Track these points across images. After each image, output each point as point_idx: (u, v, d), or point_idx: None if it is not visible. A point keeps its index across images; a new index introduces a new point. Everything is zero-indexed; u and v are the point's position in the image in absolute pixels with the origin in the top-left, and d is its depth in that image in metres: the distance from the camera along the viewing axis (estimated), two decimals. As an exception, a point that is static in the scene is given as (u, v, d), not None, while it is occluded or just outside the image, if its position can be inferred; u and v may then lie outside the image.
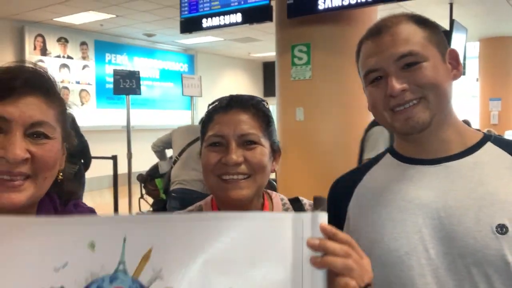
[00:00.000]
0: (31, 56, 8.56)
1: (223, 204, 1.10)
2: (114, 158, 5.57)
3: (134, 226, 0.69)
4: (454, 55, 1.03)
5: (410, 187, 1.00)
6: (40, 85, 0.81)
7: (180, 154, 3.92)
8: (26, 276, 0.66)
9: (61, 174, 0.88)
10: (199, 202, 1.20)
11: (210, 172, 1.05)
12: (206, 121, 1.12)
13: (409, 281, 0.94)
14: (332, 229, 0.69)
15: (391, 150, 1.12)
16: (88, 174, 4.81)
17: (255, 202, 1.10)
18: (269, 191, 1.20)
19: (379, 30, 1.00)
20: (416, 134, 0.98)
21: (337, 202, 1.13)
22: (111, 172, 5.62)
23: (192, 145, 3.87)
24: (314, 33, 4.48)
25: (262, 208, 1.14)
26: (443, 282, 0.91)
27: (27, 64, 0.86)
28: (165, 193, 4.19)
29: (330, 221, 0.71)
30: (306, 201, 1.21)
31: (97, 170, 5.67)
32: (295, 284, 0.67)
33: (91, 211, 0.94)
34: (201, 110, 4.75)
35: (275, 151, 1.13)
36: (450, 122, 1.01)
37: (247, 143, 1.05)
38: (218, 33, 9.32)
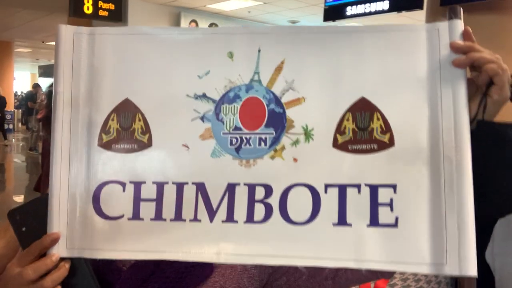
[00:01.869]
0: (185, 40, 9.31)
1: None
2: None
3: (268, 37, 0.72)
4: None
5: None
6: None
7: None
8: (174, 82, 0.73)
9: None
10: None
11: None
12: None
13: None
14: (473, 36, 0.69)
15: None
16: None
17: None
18: None
19: None
20: None
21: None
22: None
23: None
24: (470, 22, 4.06)
25: None
26: None
27: None
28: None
29: None
30: None
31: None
32: (433, 88, 0.68)
33: None
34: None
35: None
36: None
37: None
38: (362, 21, 9.02)
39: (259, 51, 0.71)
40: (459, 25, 0.70)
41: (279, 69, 0.70)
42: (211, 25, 9.73)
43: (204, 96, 0.72)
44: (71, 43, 0.73)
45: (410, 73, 0.69)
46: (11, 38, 14.87)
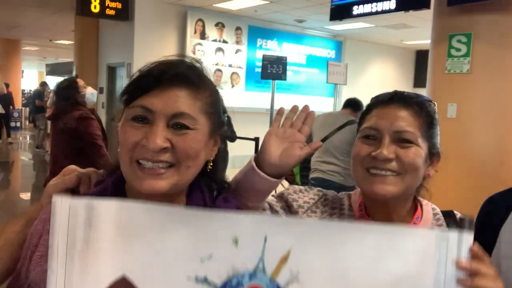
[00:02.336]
0: (192, 39, 9.30)
1: (367, 198, 1.07)
2: (256, 140, 5.81)
3: (275, 226, 0.70)
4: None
5: None
6: (187, 78, 0.84)
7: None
8: (174, 262, 0.70)
9: (210, 164, 0.90)
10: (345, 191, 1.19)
11: (359, 164, 1.03)
12: (365, 113, 1.09)
13: None
14: (483, 254, 0.69)
15: None
16: (231, 153, 5.09)
17: (401, 204, 1.05)
18: (419, 198, 1.12)
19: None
20: None
21: (487, 222, 1.03)
22: (252, 153, 5.88)
23: (331, 136, 3.83)
24: (477, 22, 4.05)
25: (411, 213, 1.08)
26: None
27: (185, 58, 0.89)
28: (301, 179, 4.24)
29: (475, 239, 0.70)
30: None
31: (240, 150, 5.97)
32: None
33: (238, 207, 0.95)
34: (344, 98, 4.67)
35: (433, 155, 1.06)
36: None
37: (402, 140, 1.00)
38: (370, 19, 9.00)
39: (265, 239, 0.69)
40: (469, 239, 0.69)
41: (284, 259, 0.69)
42: (217, 24, 9.73)
43: (205, 280, 0.69)
44: (67, 216, 0.70)
45: (414, 281, 0.68)
46: (19, 37, 14.95)
